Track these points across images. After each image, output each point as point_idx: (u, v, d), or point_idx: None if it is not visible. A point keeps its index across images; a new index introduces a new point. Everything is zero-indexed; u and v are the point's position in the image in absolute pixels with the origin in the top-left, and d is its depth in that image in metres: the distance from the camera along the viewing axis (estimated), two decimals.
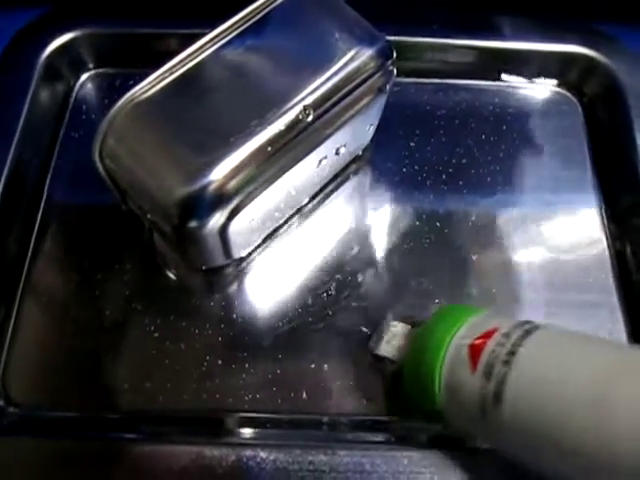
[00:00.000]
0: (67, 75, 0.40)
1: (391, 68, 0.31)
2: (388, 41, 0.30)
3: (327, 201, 0.37)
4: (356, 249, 0.36)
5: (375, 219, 0.37)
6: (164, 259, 0.35)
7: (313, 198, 0.37)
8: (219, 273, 0.35)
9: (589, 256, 0.36)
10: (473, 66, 0.41)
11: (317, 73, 0.29)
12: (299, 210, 0.36)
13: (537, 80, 0.42)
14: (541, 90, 0.42)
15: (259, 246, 0.35)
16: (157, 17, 0.40)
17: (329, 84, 0.29)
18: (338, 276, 0.35)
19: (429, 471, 0.28)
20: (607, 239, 0.37)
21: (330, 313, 0.34)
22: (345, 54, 0.29)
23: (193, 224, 0.27)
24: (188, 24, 0.38)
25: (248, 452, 0.29)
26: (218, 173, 0.26)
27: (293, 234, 0.36)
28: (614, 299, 0.35)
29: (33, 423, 0.31)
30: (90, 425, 0.31)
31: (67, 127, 0.39)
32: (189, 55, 0.28)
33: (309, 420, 0.31)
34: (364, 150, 0.38)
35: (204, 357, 0.32)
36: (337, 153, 0.33)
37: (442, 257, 0.36)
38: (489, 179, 0.38)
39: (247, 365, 0.32)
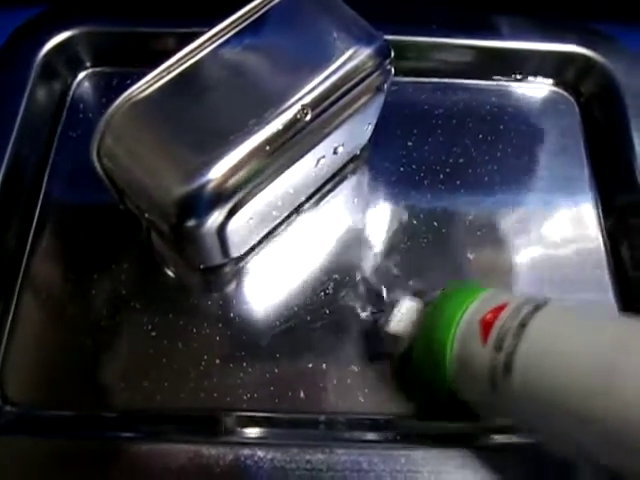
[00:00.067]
0: (64, 74, 0.40)
1: (389, 67, 0.31)
2: (386, 40, 0.30)
3: (325, 200, 0.37)
4: (354, 248, 0.36)
5: (373, 218, 0.37)
6: (162, 258, 0.35)
7: (311, 197, 0.37)
8: (217, 272, 0.35)
9: (586, 254, 0.36)
10: (471, 65, 0.41)
11: (315, 72, 0.29)
12: (297, 209, 0.36)
13: (534, 80, 0.42)
14: (538, 90, 0.42)
15: (257, 245, 0.35)
16: (155, 16, 0.40)
17: (327, 83, 0.29)
18: (336, 275, 0.35)
19: (426, 470, 0.28)
20: (603, 237, 0.37)
21: (328, 312, 0.34)
22: (343, 53, 0.29)
23: (191, 223, 0.27)
24: (186, 23, 0.38)
25: (246, 451, 0.29)
26: (216, 172, 0.26)
27: (291, 233, 0.36)
28: (610, 296, 0.35)
29: (30, 422, 0.31)
30: (88, 424, 0.31)
31: (64, 126, 0.39)
32: (187, 54, 0.28)
33: (307, 419, 0.31)
34: (362, 149, 0.38)
35: (202, 356, 0.32)
36: (335, 152, 0.33)
37: (439, 256, 0.36)
38: (486, 178, 0.38)
39: (245, 364, 0.32)
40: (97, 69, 0.41)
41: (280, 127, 0.27)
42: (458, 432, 0.31)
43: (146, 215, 0.29)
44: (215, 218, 0.27)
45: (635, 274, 0.35)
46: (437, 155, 0.39)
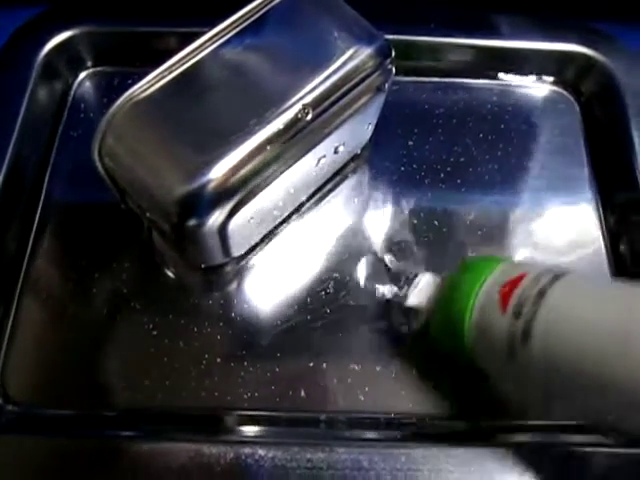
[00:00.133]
0: (65, 73, 0.40)
1: (390, 67, 0.31)
2: (387, 40, 0.30)
3: (326, 200, 0.37)
4: (354, 248, 0.36)
5: (373, 218, 0.37)
6: (163, 257, 0.35)
7: (312, 197, 0.37)
8: (218, 272, 0.35)
9: (586, 252, 0.36)
10: (471, 65, 0.41)
11: (316, 72, 0.29)
12: (298, 209, 0.36)
13: (535, 79, 0.42)
14: (539, 89, 0.42)
15: (258, 245, 0.35)
16: (156, 16, 0.40)
17: (328, 83, 0.29)
18: (336, 275, 0.35)
19: (427, 468, 0.28)
20: (604, 235, 0.37)
21: (328, 311, 0.34)
22: (344, 53, 0.29)
23: (192, 222, 0.27)
24: (187, 23, 0.38)
25: (247, 450, 0.29)
26: (217, 172, 0.26)
27: (292, 233, 0.36)
28: None
29: (32, 421, 0.31)
30: (89, 423, 0.31)
31: (65, 125, 0.39)
32: (188, 54, 0.28)
33: (307, 418, 0.31)
34: (363, 149, 0.38)
35: (203, 355, 0.32)
36: (336, 152, 0.33)
37: (440, 255, 0.36)
38: (487, 177, 0.38)
39: (246, 363, 0.32)
40: (98, 69, 0.41)
41: (281, 127, 0.28)
42: (458, 431, 0.31)
43: (147, 214, 0.29)
44: (216, 217, 0.27)
45: (635, 271, 0.35)
46: (438, 154, 0.39)
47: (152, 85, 0.28)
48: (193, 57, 0.28)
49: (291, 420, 0.31)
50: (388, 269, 0.35)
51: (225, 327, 0.33)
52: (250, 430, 0.31)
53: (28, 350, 0.33)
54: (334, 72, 0.29)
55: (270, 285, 0.35)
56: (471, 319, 0.28)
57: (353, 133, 0.34)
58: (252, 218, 0.30)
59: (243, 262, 0.35)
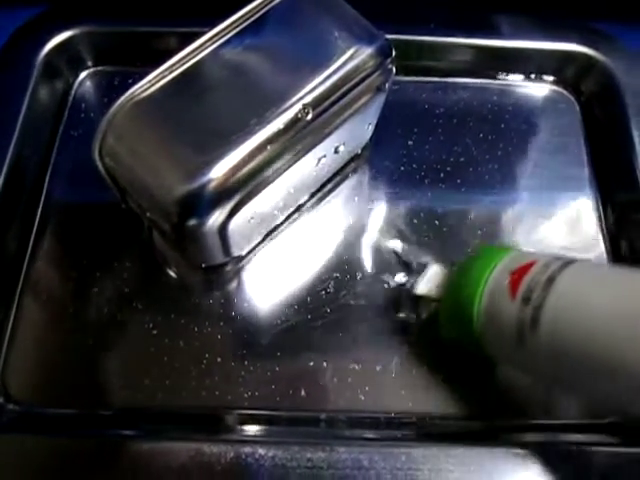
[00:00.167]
0: (66, 73, 0.40)
1: (390, 67, 0.31)
2: (387, 39, 0.30)
3: (326, 200, 0.37)
4: (354, 247, 0.36)
5: (373, 217, 0.37)
6: (163, 257, 0.35)
7: (312, 196, 0.37)
8: (218, 271, 0.35)
9: (586, 252, 0.36)
10: (472, 65, 0.41)
11: (316, 71, 0.29)
12: (298, 208, 0.36)
13: (535, 78, 0.42)
14: (539, 88, 0.42)
15: (258, 244, 0.35)
16: (156, 15, 0.40)
17: (328, 83, 0.29)
18: (336, 274, 0.35)
19: (427, 467, 0.28)
20: (604, 235, 0.37)
21: (328, 311, 0.34)
22: (344, 52, 0.29)
23: (193, 222, 0.27)
24: (187, 22, 0.38)
25: (247, 449, 0.29)
26: (217, 171, 0.26)
27: (292, 232, 0.36)
28: None
29: (32, 420, 0.31)
30: (89, 422, 0.31)
31: (66, 125, 0.39)
32: (188, 54, 0.28)
33: (308, 417, 0.31)
34: (363, 149, 0.38)
35: (203, 355, 0.32)
36: (336, 152, 0.33)
37: (440, 255, 0.36)
38: (487, 177, 0.38)
39: (246, 362, 0.32)
40: (99, 68, 0.41)
41: (281, 126, 0.28)
42: (458, 430, 0.31)
43: (148, 214, 0.29)
44: (216, 217, 0.28)
45: None
46: (438, 154, 0.39)
47: (152, 85, 0.28)
48: (193, 57, 0.28)
49: (291, 419, 0.31)
50: (388, 269, 0.35)
51: (225, 326, 0.33)
52: (250, 429, 0.31)
53: (29, 349, 0.33)
54: (334, 72, 0.29)
55: (270, 284, 0.35)
56: (480, 305, 0.28)
57: (353, 133, 0.34)
58: (252, 218, 0.30)
59: (243, 262, 0.35)
